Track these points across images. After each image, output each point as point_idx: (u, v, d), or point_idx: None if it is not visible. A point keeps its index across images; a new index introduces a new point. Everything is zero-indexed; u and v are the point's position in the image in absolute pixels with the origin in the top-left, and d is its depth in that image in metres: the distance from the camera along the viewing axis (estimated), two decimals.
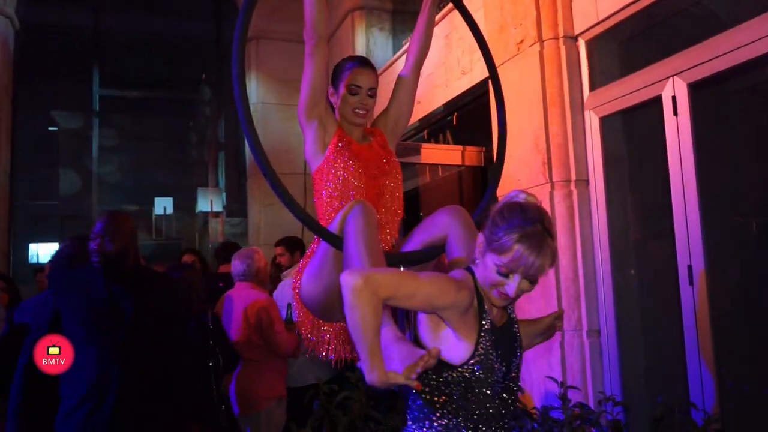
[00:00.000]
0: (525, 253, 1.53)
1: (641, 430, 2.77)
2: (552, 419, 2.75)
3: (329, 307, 2.26)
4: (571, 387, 2.94)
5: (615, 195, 3.28)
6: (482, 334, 1.64)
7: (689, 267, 2.78)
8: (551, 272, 3.31)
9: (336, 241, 2.01)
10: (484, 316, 1.65)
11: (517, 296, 1.59)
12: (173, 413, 2.81)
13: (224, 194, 7.90)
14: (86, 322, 2.61)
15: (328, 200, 2.23)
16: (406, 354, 1.58)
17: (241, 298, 3.70)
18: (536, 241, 1.54)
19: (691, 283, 2.78)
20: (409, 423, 1.77)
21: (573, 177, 3.30)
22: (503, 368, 1.67)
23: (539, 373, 3.33)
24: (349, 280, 1.53)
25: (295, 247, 4.56)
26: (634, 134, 3.33)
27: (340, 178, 2.19)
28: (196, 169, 9.46)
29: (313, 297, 2.24)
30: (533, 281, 1.58)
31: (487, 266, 1.60)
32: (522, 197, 1.64)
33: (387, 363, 1.58)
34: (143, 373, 2.68)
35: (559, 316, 1.93)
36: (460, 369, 1.62)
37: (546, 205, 3.35)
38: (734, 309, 2.88)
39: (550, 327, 1.93)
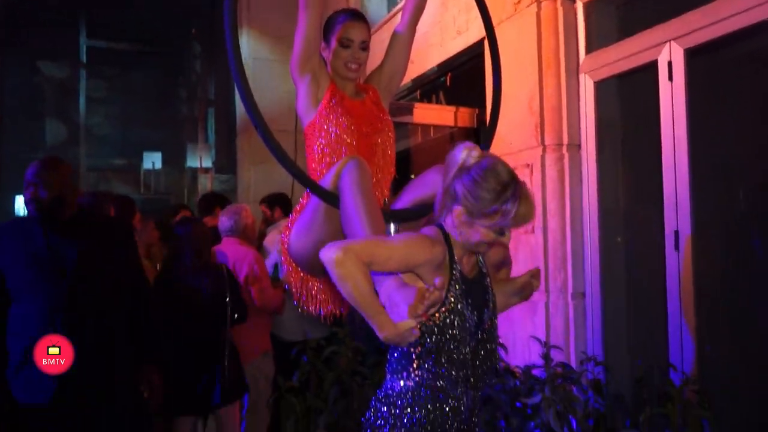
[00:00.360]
0: (516, 209, 1.63)
1: (621, 389, 2.82)
2: (534, 377, 2.80)
3: (318, 262, 2.28)
4: (554, 347, 2.99)
5: (606, 160, 3.29)
6: (452, 282, 1.71)
7: (676, 232, 2.82)
8: (539, 235, 3.37)
9: (329, 197, 2.01)
10: (455, 266, 1.72)
11: (508, 243, 1.73)
12: (129, 358, 2.75)
13: (213, 151, 7.83)
14: (28, 274, 2.54)
15: (320, 156, 2.22)
16: (411, 297, 1.63)
17: (229, 253, 3.71)
18: (521, 194, 1.65)
19: (677, 248, 2.82)
20: (388, 376, 1.81)
21: (565, 141, 3.31)
22: (474, 318, 1.74)
23: (523, 334, 3.39)
24: (329, 255, 1.61)
25: (275, 203, 4.54)
26: (629, 100, 3.32)
27: (333, 134, 2.17)
28: (186, 124, 9.36)
29: (302, 252, 2.24)
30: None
31: (478, 232, 1.68)
32: (487, 162, 1.70)
33: (394, 310, 1.63)
34: (92, 322, 2.60)
35: (534, 275, 1.96)
36: (433, 317, 1.68)
37: (537, 168, 3.37)
38: (717, 276, 2.93)
39: (525, 286, 1.96)
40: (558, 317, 3.29)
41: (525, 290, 1.95)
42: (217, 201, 4.63)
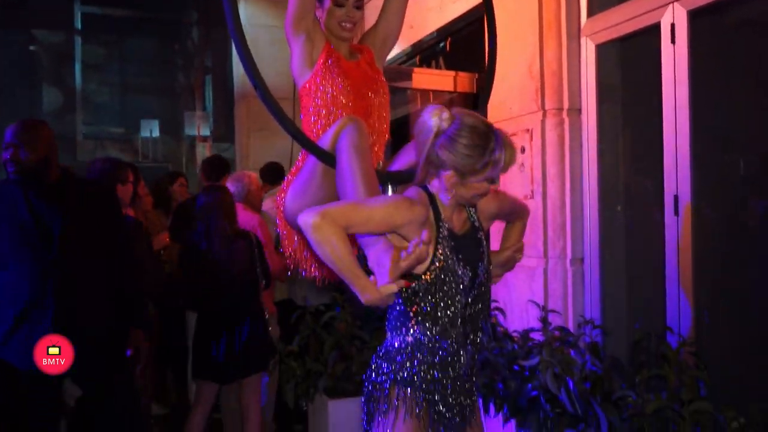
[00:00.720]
0: (503, 157, 1.70)
1: (618, 352, 2.85)
2: (532, 341, 2.82)
3: None
4: (552, 311, 3.01)
5: (607, 125, 3.27)
6: (440, 240, 1.73)
7: (675, 197, 2.81)
8: (538, 201, 3.36)
9: (327, 158, 2.00)
10: (441, 224, 1.75)
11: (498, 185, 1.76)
12: (119, 323, 2.77)
13: (211, 119, 7.78)
14: (13, 239, 2.51)
15: (315, 117, 2.20)
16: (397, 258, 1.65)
17: None
18: (503, 140, 1.70)
19: (676, 213, 2.81)
20: (388, 333, 1.84)
21: (566, 105, 3.28)
22: (468, 272, 1.76)
23: (521, 299, 3.40)
24: (306, 220, 1.63)
25: (267, 175, 4.51)
26: (630, 64, 3.28)
27: (329, 94, 2.15)
28: (183, 92, 9.28)
29: (297, 214, 2.24)
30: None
31: (474, 187, 1.72)
32: (460, 120, 1.72)
33: (382, 272, 1.64)
34: (81, 286, 2.60)
35: (518, 249, 2.00)
36: (423, 276, 1.72)
37: (537, 133, 3.34)
38: (716, 240, 2.93)
39: (509, 259, 2.01)
40: (556, 283, 3.30)
41: (509, 263, 2.01)
42: (223, 165, 4.52)
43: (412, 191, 1.79)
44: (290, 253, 2.36)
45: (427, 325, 1.74)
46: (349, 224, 1.64)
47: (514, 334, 3.06)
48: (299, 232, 2.32)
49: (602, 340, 2.88)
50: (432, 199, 1.77)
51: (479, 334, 1.85)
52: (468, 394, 1.87)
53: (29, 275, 2.51)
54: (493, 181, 1.72)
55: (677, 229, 2.81)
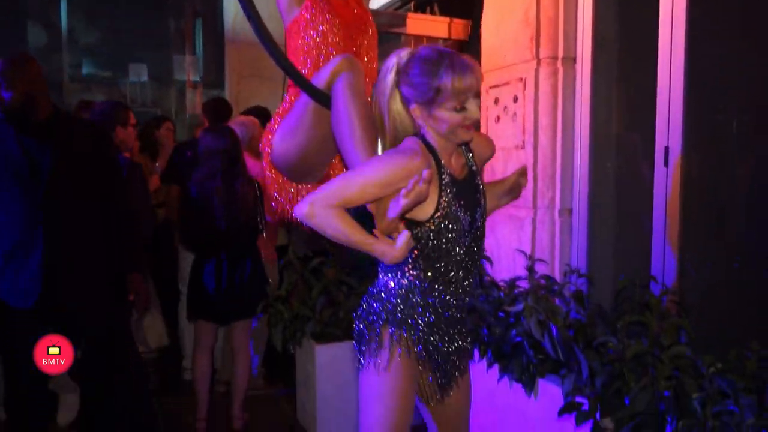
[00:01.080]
0: (453, 78, 1.62)
1: (603, 302, 2.88)
2: (518, 288, 2.85)
3: (303, 165, 2.24)
4: (540, 260, 3.04)
5: (601, 75, 3.24)
6: (443, 187, 1.71)
7: (666, 148, 2.81)
8: (529, 151, 3.35)
9: (321, 97, 1.97)
10: (443, 170, 1.72)
11: (478, 116, 1.69)
12: (113, 264, 2.76)
13: (201, 64, 7.64)
14: (2, 178, 2.48)
15: (305, 57, 2.16)
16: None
17: None
18: (455, 63, 1.63)
19: (666, 164, 2.82)
20: (381, 274, 1.84)
21: (560, 54, 3.24)
22: (468, 218, 1.76)
23: (509, 248, 3.42)
24: (300, 212, 1.62)
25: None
26: (627, 12, 3.23)
27: (319, 31, 2.11)
28: (173, 37, 9.08)
29: (286, 156, 2.20)
30: (477, 96, 1.68)
31: (443, 118, 1.67)
32: (415, 52, 1.71)
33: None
34: (72, 225, 2.59)
35: (522, 173, 1.99)
36: (427, 224, 1.71)
37: (530, 83, 3.31)
38: (704, 193, 2.94)
39: (515, 186, 2.00)
40: (544, 233, 3.32)
41: (514, 190, 1.99)
42: (226, 107, 4.40)
43: (408, 142, 1.75)
44: (275, 197, 2.35)
45: (424, 268, 1.75)
46: (345, 200, 1.63)
47: (501, 283, 3.08)
48: (286, 173, 2.31)
49: (587, 290, 2.92)
50: (430, 147, 1.74)
51: (470, 278, 1.86)
52: (462, 337, 1.90)
53: (19, 214, 2.49)
54: (463, 108, 1.66)
55: (666, 181, 2.82)
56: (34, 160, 2.50)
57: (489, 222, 3.57)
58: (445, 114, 1.66)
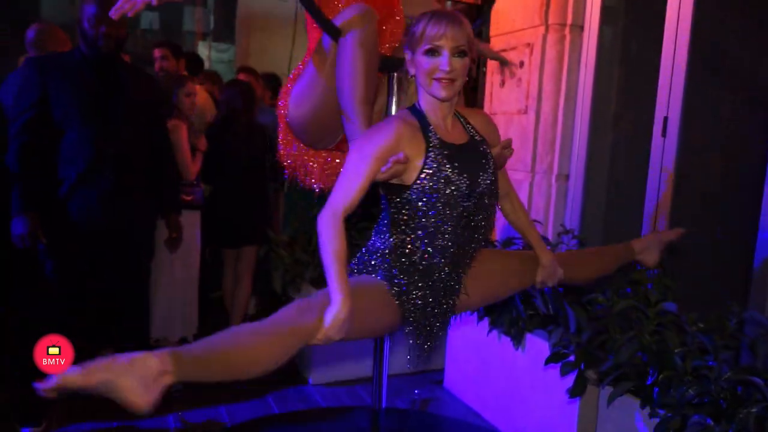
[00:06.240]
0: (435, 22, 1.68)
1: None
2: (515, 244, 2.95)
3: (318, 130, 2.26)
4: (535, 221, 3.12)
5: (607, 43, 3.29)
6: (430, 149, 1.73)
7: (665, 119, 2.88)
8: (531, 116, 3.42)
9: (333, 31, 1.98)
10: (430, 133, 1.75)
11: (454, 72, 1.69)
12: (160, 201, 3.12)
13: (212, 17, 7.61)
14: (82, 107, 2.70)
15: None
16: None
17: None
18: (440, 13, 1.71)
19: (664, 134, 2.89)
20: (373, 236, 1.89)
21: (569, 21, 3.29)
22: (466, 181, 1.75)
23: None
24: (318, 226, 1.63)
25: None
26: None
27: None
28: None
29: (301, 120, 2.21)
30: (461, 52, 1.70)
31: (418, 63, 1.73)
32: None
33: None
34: (133, 159, 2.87)
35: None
36: (414, 186, 1.72)
37: (537, 48, 3.36)
38: (700, 164, 3.02)
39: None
40: (540, 196, 3.41)
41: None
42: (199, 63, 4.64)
43: (392, 115, 1.83)
44: (288, 162, 2.37)
45: (414, 229, 1.76)
46: (348, 199, 1.64)
47: (496, 243, 3.18)
48: (303, 138, 2.34)
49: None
50: (417, 111, 1.79)
51: (473, 244, 1.83)
52: (448, 295, 1.86)
53: (93, 138, 2.72)
54: (432, 53, 1.69)
55: (662, 150, 2.90)
56: (110, 92, 2.77)
57: None
58: (419, 58, 1.72)
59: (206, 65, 6.71)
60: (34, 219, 2.64)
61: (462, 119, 1.88)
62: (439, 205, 1.73)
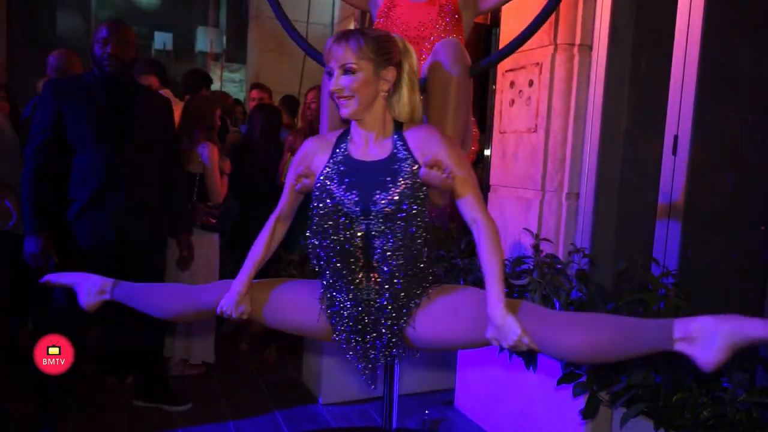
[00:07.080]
0: (328, 43, 1.77)
1: (605, 281, 2.96)
2: (525, 264, 2.94)
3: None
4: (545, 240, 3.12)
5: (616, 62, 3.30)
6: (329, 162, 1.85)
7: (675, 137, 2.87)
8: (541, 135, 3.42)
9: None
10: (339, 149, 1.86)
11: (343, 90, 1.75)
12: (170, 221, 3.17)
13: (225, 38, 7.71)
14: (94, 126, 2.77)
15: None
16: None
17: None
18: (337, 33, 1.78)
19: (674, 153, 2.88)
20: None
21: (578, 41, 3.30)
22: (353, 197, 1.75)
23: (515, 229, 3.51)
24: None
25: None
26: (645, 2, 3.29)
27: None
28: (196, 7, 9.18)
29: None
30: (350, 70, 1.74)
31: (327, 86, 1.89)
32: None
33: None
34: (145, 179, 2.94)
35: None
36: (314, 189, 1.86)
37: (546, 68, 3.37)
38: (710, 184, 3.01)
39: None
40: (550, 215, 3.40)
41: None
42: (204, 80, 4.68)
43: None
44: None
45: (318, 233, 1.81)
46: (279, 210, 2.01)
47: (506, 261, 3.17)
48: None
49: (589, 271, 3.00)
50: (348, 130, 1.89)
51: (387, 269, 1.77)
52: (379, 314, 1.82)
53: (105, 160, 2.77)
54: (329, 73, 1.78)
55: (673, 168, 2.89)
56: (122, 113, 2.83)
57: (497, 202, 3.68)
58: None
59: (218, 85, 6.80)
60: (46, 238, 2.67)
61: (399, 135, 1.84)
62: (327, 215, 1.79)
